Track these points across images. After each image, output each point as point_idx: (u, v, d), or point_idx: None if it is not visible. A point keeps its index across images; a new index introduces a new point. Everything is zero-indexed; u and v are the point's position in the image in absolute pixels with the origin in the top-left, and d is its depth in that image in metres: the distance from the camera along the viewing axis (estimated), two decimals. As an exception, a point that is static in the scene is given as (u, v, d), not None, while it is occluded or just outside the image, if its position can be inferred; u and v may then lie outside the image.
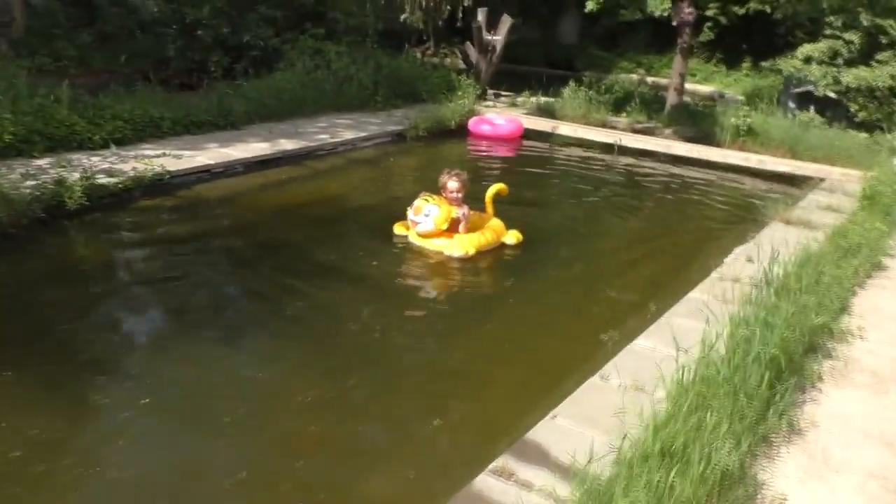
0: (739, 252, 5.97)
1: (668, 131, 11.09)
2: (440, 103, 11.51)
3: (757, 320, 3.82)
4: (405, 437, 3.55)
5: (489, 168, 9.58)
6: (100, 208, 6.20)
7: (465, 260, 5.71)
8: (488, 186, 6.39)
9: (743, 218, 7.62)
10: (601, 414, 3.45)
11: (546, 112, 12.06)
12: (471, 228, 6.11)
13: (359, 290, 5.08)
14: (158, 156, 7.53)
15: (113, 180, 6.47)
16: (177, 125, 8.60)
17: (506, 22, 13.43)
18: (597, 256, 6.29)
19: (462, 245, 5.74)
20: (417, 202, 5.85)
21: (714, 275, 5.51)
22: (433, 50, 17.89)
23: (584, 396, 3.64)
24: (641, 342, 4.29)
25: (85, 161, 7.14)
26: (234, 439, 3.38)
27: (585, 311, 5.05)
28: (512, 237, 6.11)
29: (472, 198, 6.30)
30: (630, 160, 10.26)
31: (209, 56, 11.37)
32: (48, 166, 6.84)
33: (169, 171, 6.99)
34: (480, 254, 5.83)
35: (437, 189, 6.06)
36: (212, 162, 7.57)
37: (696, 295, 5.11)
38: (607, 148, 10.65)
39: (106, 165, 7.02)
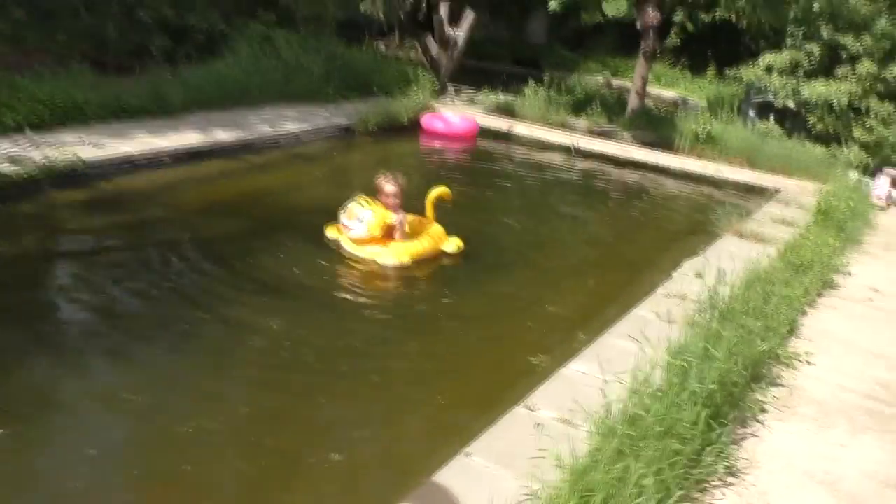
0: (688, 266, 5.67)
1: (627, 135, 10.83)
2: (394, 97, 11.07)
3: (697, 351, 3.48)
4: (294, 479, 3.12)
5: (439, 167, 9.19)
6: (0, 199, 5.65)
7: (398, 270, 5.30)
8: (432, 188, 5.98)
9: (696, 228, 7.35)
10: (521, 452, 3.07)
11: (505, 111, 11.70)
12: (409, 234, 5.72)
13: (274, 301, 4.64)
14: (77, 143, 6.97)
15: (16, 169, 5.91)
16: (104, 111, 8.00)
17: (468, 17, 13.07)
18: (540, 266, 5.93)
19: (396, 254, 5.33)
20: (351, 205, 5.42)
21: (660, 291, 5.19)
22: (398, 43, 17.45)
23: (504, 430, 3.27)
24: (575, 367, 3.93)
25: (-7, 146, 6.56)
26: (89, 480, 2.91)
27: (520, 328, 4.68)
28: (452, 245, 5.72)
29: (415, 199, 5.89)
30: (586, 163, 9.97)
31: (150, 39, 10.74)
32: (-52, 150, 6.25)
33: (84, 161, 6.44)
34: (416, 263, 5.42)
35: (374, 190, 5.64)
36: (135, 152, 7.02)
37: (641, 313, 4.79)
38: (564, 150, 10.34)
39: (15, 151, 6.44)
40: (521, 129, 10.92)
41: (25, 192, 5.85)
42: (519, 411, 3.44)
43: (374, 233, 5.29)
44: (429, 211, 5.91)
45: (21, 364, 3.69)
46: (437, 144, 10.08)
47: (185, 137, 7.82)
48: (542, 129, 10.93)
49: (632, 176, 9.65)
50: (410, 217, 5.82)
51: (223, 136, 8.17)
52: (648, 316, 4.69)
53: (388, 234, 5.44)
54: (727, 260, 5.52)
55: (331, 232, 5.62)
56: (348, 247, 5.41)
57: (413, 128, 10.40)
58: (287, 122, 9.38)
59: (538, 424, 3.25)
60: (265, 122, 9.18)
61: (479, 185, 8.16)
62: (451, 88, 13.27)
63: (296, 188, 7.27)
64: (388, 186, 5.49)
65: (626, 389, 3.43)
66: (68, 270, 4.84)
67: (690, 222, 7.80)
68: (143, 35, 10.90)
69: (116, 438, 3.18)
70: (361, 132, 9.72)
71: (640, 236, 7.20)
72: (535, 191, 8.40)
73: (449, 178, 8.44)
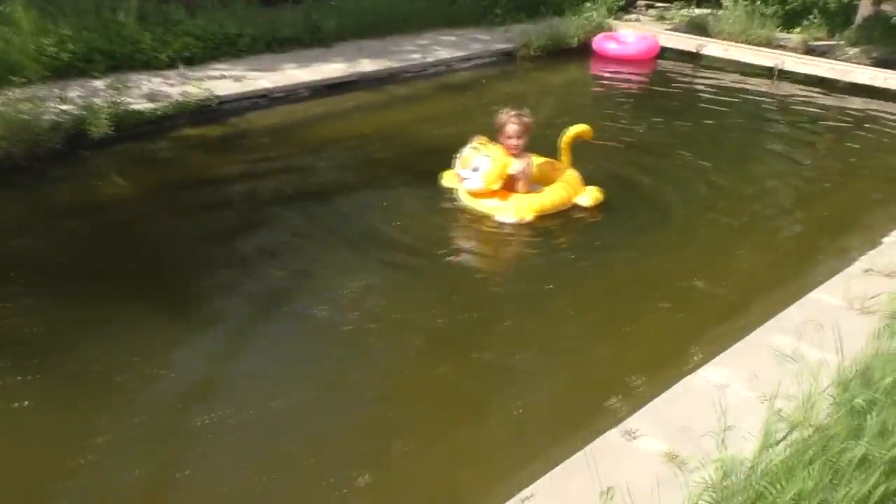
0: (909, 232, 4.27)
1: (852, 52, 8.76)
2: (568, 17, 9.88)
3: (889, 380, 2.37)
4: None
5: (604, 96, 8.01)
6: (133, 137, 5.66)
7: (517, 227, 4.49)
8: (570, 126, 5.01)
9: (933, 177, 5.64)
10: (597, 500, 2.28)
11: (697, 28, 10.03)
12: (540, 179, 4.89)
13: (363, 258, 4.10)
14: (221, 77, 6.89)
15: (150, 106, 5.89)
16: (257, 42, 7.88)
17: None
18: (704, 226, 4.77)
19: (517, 209, 4.52)
20: (466, 151, 4.68)
21: (859, 265, 3.92)
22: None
23: (583, 465, 2.47)
24: (707, 373, 2.97)
25: (144, 82, 6.65)
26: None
27: (652, 312, 3.69)
28: (588, 197, 4.76)
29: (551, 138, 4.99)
30: (793, 89, 8.21)
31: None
32: (103, 87, 6.41)
33: (218, 97, 6.30)
34: (542, 218, 4.57)
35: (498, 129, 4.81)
36: (271, 86, 6.79)
37: (823, 296, 3.61)
38: (766, 73, 8.60)
39: (158, 88, 6.48)
40: (715, 48, 9.25)
41: (160, 129, 5.84)
42: (612, 437, 2.61)
43: (490, 185, 4.51)
44: (564, 153, 5.00)
45: (125, 311, 3.52)
46: (608, 69, 8.84)
47: (329, 69, 7.48)
48: (740, 47, 9.17)
49: (853, 104, 7.76)
50: (540, 160, 4.96)
51: (369, 66, 7.72)
52: (833, 302, 3.51)
53: (510, 184, 4.64)
54: (969, 227, 4.06)
55: (447, 180, 4.94)
56: (464, 198, 4.71)
57: (583, 51, 9.22)
58: (442, 48, 8.71)
59: (648, 450, 2.40)
60: (419, 49, 8.59)
61: (649, 120, 6.95)
62: (639, 3, 11.71)
63: (433, 123, 6.60)
64: (511, 125, 4.64)
65: (777, 421, 2.45)
66: (167, 213, 4.61)
67: (927, 168, 6.03)
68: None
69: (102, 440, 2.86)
70: (523, 57, 8.80)
71: (849, 187, 5.65)
72: (720, 125, 6.99)
73: (614, 108, 7.37)
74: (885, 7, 9.53)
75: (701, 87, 8.23)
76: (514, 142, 4.64)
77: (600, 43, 9.10)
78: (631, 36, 9.13)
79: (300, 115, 6.54)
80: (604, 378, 3.14)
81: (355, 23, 8.88)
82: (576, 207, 4.72)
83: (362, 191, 5.06)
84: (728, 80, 8.53)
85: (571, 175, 4.86)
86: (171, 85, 6.60)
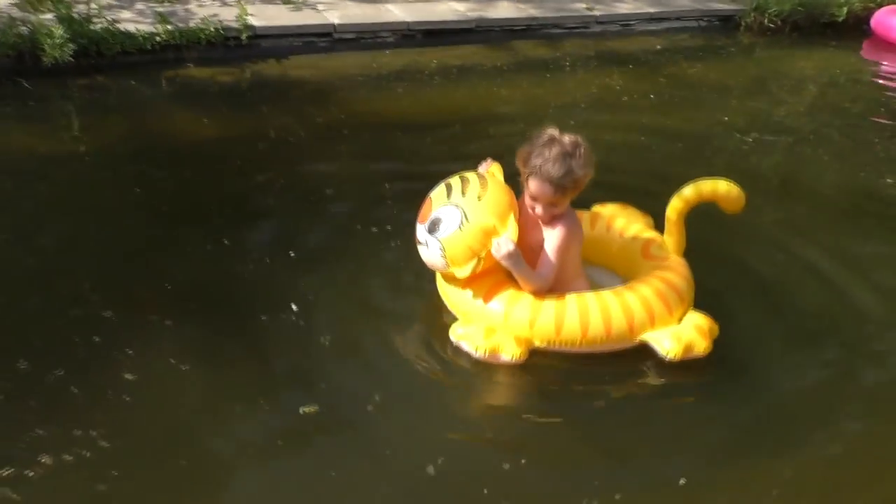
0: None
1: None
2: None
3: None
4: None
5: (869, 111, 4.93)
6: (112, 69, 4.15)
7: (507, 370, 2.16)
8: (730, 182, 2.43)
9: None
10: None
11: None
12: (607, 258, 2.55)
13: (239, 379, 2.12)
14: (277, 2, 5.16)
15: (149, 29, 4.29)
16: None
17: None
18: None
19: (507, 335, 2.17)
20: (438, 188, 2.35)
21: None
22: None
23: None
24: None
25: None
26: None
27: None
28: (672, 340, 2.18)
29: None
30: None
31: None
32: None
33: (253, 27, 4.55)
34: (569, 361, 2.18)
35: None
36: (340, 22, 4.88)
37: None
38: None
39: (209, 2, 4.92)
40: None
41: (151, 63, 4.26)
42: None
43: (455, 265, 2.22)
44: (672, 228, 2.50)
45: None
46: (889, 62, 5.66)
47: (442, 8, 5.40)
48: None
49: None
50: (651, 237, 2.55)
51: (503, 9, 5.50)
52: None
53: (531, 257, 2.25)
54: None
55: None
56: (439, 284, 2.48)
57: (854, 29, 6.06)
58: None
59: None
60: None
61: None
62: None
63: (554, 115, 4.23)
64: (538, 182, 2.15)
65: None
66: (97, 198, 2.99)
67: None
68: None
69: None
70: (749, 28, 5.93)
71: None
72: None
73: (871, 136, 4.40)
74: None
75: None
76: (538, 207, 2.24)
77: (885, 18, 5.85)
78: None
79: (363, 70, 4.55)
80: None
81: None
82: (644, 352, 2.25)
83: (354, 234, 2.85)
84: None
85: (673, 271, 2.35)
86: (223, 2, 5.02)
